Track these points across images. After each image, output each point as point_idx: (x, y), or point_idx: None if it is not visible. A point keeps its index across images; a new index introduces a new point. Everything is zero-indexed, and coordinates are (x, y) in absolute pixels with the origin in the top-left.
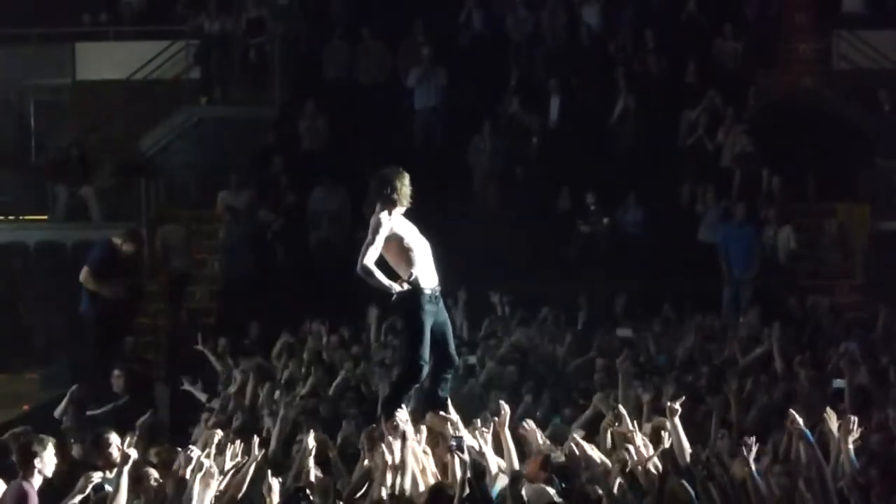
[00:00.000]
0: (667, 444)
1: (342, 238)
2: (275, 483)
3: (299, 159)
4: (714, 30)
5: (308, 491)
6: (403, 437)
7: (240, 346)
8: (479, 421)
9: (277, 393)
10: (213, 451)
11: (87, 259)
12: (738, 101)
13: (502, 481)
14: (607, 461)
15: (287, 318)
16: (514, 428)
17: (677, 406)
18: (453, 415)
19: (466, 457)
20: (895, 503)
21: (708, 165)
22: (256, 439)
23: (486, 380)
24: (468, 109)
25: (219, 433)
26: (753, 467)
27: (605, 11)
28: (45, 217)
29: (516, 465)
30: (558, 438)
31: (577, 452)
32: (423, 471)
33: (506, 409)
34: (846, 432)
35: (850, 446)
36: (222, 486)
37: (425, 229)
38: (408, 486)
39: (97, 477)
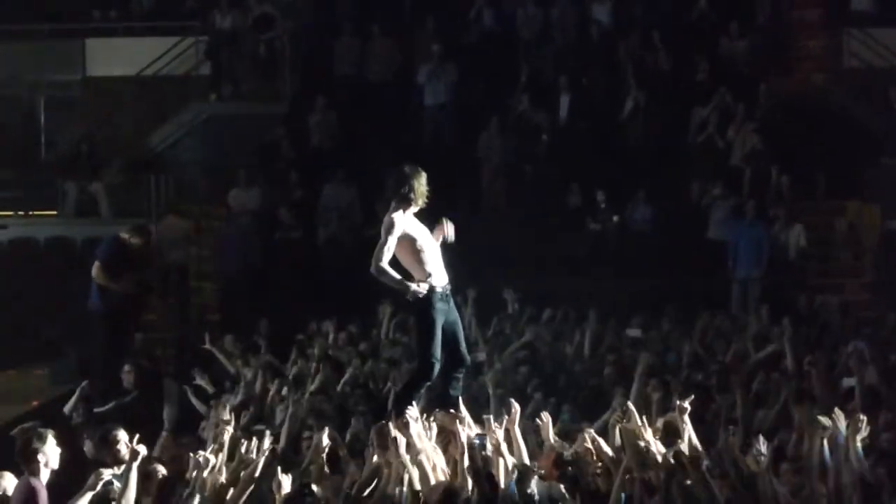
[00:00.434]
0: (682, 441)
1: (351, 235)
2: (284, 480)
3: (309, 156)
4: (724, 28)
5: (313, 487)
6: (414, 435)
7: (249, 343)
8: (489, 419)
9: (286, 389)
10: (225, 448)
11: (96, 254)
12: (749, 100)
13: (515, 479)
14: (612, 456)
15: (295, 316)
16: (524, 426)
17: (687, 405)
18: (464, 413)
19: (488, 455)
20: None
21: (718, 163)
22: (267, 436)
23: (495, 378)
24: (478, 106)
25: (229, 430)
26: (769, 467)
27: (615, 9)
28: (55, 213)
29: (527, 463)
30: (568, 436)
31: (592, 448)
32: (434, 468)
33: (516, 407)
34: (854, 430)
35: (858, 445)
36: (232, 483)
37: (434, 227)
38: (417, 483)
39: (107, 474)
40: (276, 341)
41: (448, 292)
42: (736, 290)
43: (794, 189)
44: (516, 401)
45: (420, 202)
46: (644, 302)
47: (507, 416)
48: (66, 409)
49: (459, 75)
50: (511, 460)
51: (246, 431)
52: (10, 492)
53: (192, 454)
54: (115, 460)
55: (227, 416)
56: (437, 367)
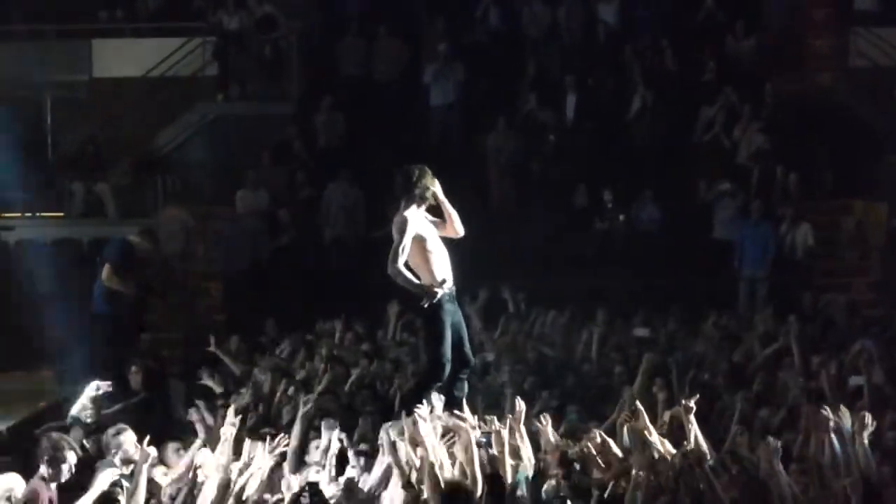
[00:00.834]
0: (689, 442)
1: (356, 235)
2: (293, 480)
3: (315, 155)
4: (730, 27)
5: (320, 487)
6: (423, 434)
7: (255, 343)
8: (496, 418)
9: (292, 390)
10: (230, 448)
11: (105, 257)
12: (755, 99)
13: (522, 477)
14: (620, 456)
15: (301, 316)
16: (531, 425)
17: (692, 404)
18: (468, 414)
19: (493, 453)
20: None
21: (724, 163)
22: (281, 435)
23: (502, 377)
24: (484, 106)
25: (233, 428)
26: (779, 466)
27: (621, 8)
28: (62, 214)
29: (532, 462)
30: (574, 435)
31: (598, 448)
32: (441, 467)
33: (522, 406)
34: (861, 427)
35: (866, 441)
36: (239, 484)
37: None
38: (426, 483)
39: (114, 474)
40: (283, 341)
41: (454, 293)
42: (743, 290)
43: (801, 188)
44: (523, 400)
45: (429, 200)
46: (650, 301)
47: (512, 416)
48: (73, 410)
49: (466, 75)
50: (517, 460)
51: (253, 432)
52: (17, 493)
53: (196, 453)
54: (123, 461)
55: (232, 418)
56: (448, 367)
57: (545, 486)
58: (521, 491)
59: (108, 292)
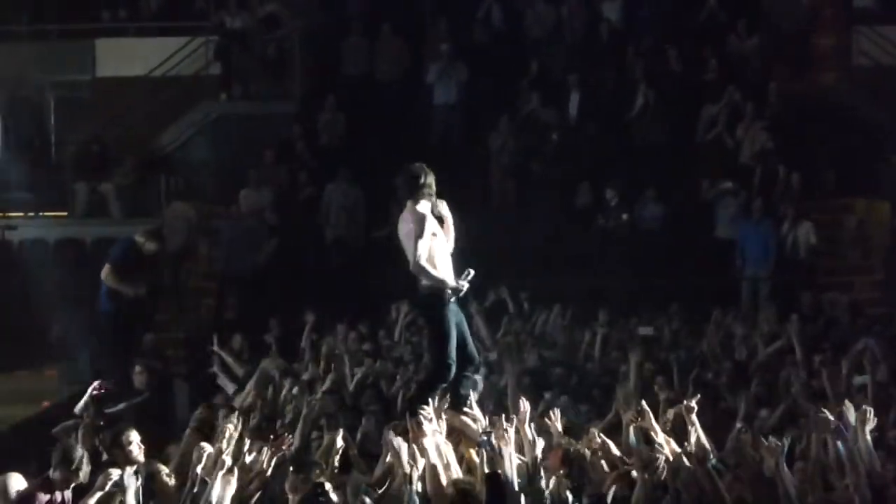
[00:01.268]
0: (691, 441)
1: (357, 235)
2: (297, 480)
3: (318, 155)
4: (733, 27)
5: (327, 487)
6: (428, 434)
7: (259, 342)
8: (500, 418)
9: (296, 389)
10: (233, 447)
11: (108, 256)
12: (758, 98)
13: (523, 475)
14: (619, 455)
15: (302, 316)
16: (537, 424)
17: (693, 403)
18: (476, 412)
19: (494, 452)
20: None
21: (727, 162)
22: (285, 436)
23: (505, 377)
24: (487, 105)
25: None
26: (783, 465)
27: (625, 7)
28: (65, 213)
29: (535, 461)
30: (576, 434)
31: (600, 447)
32: (447, 467)
33: (526, 405)
34: (863, 422)
35: (868, 437)
36: (244, 483)
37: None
38: (430, 482)
39: (116, 474)
40: (286, 341)
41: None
42: (745, 289)
43: (804, 187)
44: (528, 399)
45: (433, 197)
46: (653, 300)
47: (516, 415)
48: (77, 409)
49: (469, 74)
50: (520, 458)
51: (256, 432)
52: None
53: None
54: (127, 460)
55: (234, 418)
56: (454, 367)
57: (548, 483)
58: (521, 491)
59: (111, 291)
